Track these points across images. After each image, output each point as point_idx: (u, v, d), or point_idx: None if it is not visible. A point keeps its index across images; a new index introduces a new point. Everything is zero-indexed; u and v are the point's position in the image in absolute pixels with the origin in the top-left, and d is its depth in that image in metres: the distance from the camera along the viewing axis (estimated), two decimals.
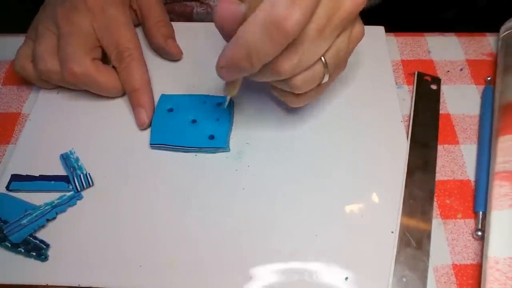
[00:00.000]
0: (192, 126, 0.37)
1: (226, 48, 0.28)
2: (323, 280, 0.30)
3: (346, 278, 0.30)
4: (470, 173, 0.36)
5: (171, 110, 0.38)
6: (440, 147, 0.37)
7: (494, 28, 0.44)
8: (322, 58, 0.29)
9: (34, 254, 0.31)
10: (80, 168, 0.35)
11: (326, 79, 0.31)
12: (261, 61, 0.27)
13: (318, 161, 0.36)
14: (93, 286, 0.30)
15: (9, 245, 0.31)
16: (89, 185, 0.34)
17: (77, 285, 0.30)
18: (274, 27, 0.25)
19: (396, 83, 0.41)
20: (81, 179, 0.34)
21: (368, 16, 0.50)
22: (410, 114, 0.39)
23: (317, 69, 0.30)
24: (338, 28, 0.28)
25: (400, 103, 0.39)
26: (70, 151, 0.36)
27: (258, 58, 0.27)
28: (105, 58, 0.40)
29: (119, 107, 0.40)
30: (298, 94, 0.32)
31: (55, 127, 0.38)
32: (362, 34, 0.31)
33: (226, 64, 0.29)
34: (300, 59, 0.28)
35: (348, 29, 0.30)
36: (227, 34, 0.28)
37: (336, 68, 0.32)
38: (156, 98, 0.39)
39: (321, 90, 0.33)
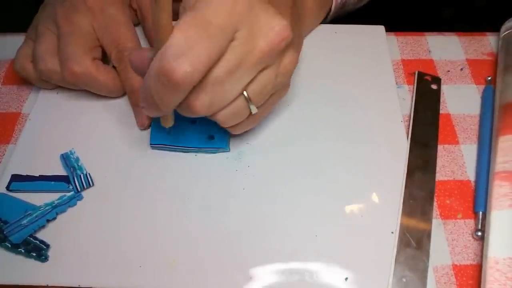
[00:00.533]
0: (192, 126, 0.37)
1: (140, 91, 0.29)
2: (323, 280, 0.30)
3: (346, 279, 0.30)
4: (470, 173, 0.36)
5: None
6: (440, 147, 0.37)
7: (494, 27, 0.44)
8: (245, 93, 0.29)
9: (34, 254, 0.31)
10: (80, 168, 0.35)
11: (254, 110, 0.31)
12: (167, 105, 0.28)
13: (318, 161, 0.36)
14: (93, 287, 0.30)
15: (9, 245, 0.31)
16: (89, 185, 0.34)
17: (77, 286, 0.30)
18: (165, 78, 0.25)
19: (396, 83, 0.41)
20: (81, 179, 0.34)
21: (369, 16, 0.51)
22: (410, 114, 0.39)
23: (239, 104, 0.30)
24: (257, 66, 0.28)
25: (400, 102, 0.39)
26: (70, 151, 0.36)
27: (163, 103, 0.27)
28: (105, 58, 0.40)
29: (119, 107, 0.40)
30: (232, 126, 0.32)
31: (55, 127, 0.38)
32: (294, 65, 0.31)
33: (143, 105, 0.30)
34: (212, 99, 0.28)
35: (275, 64, 0.29)
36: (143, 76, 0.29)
37: (269, 98, 0.31)
38: None
39: (256, 119, 0.33)
